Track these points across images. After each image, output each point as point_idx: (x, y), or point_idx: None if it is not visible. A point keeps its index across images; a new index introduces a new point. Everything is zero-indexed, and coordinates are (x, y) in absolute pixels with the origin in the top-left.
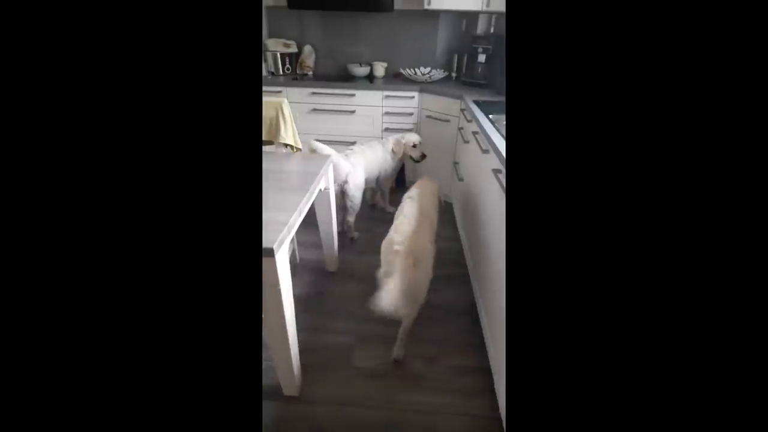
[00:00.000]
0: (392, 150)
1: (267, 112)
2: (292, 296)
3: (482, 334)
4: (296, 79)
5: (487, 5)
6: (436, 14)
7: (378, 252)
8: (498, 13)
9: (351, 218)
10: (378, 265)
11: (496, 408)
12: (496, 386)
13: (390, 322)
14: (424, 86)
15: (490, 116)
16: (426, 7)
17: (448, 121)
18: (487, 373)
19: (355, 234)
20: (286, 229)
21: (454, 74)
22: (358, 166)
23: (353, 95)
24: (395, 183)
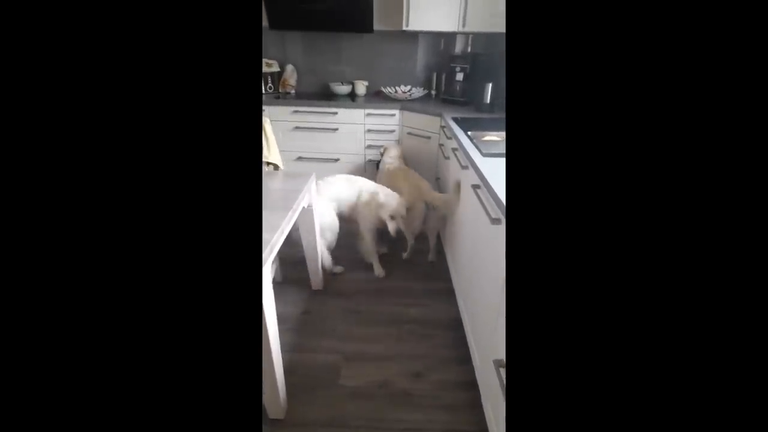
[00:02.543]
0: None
1: None
2: (275, 316)
3: (467, 348)
4: (278, 97)
5: (464, 26)
6: (414, 35)
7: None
8: (474, 34)
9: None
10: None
11: (483, 422)
12: (482, 400)
13: (377, 340)
14: (404, 104)
15: (469, 133)
16: (405, 28)
17: (428, 137)
18: (473, 387)
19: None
20: (268, 249)
21: (433, 92)
22: None
23: (335, 113)
24: None
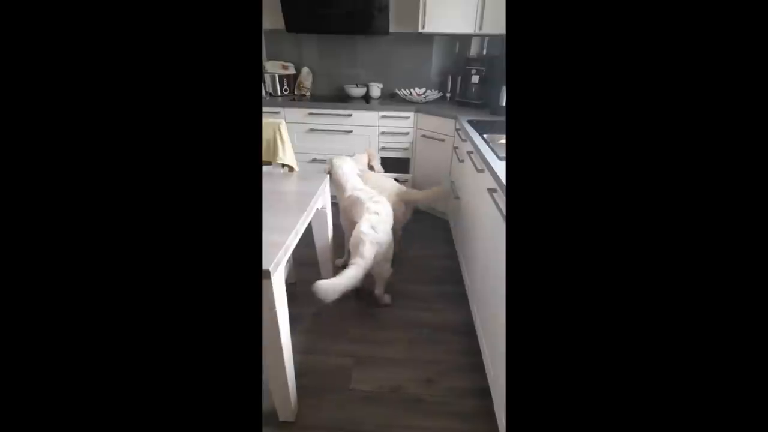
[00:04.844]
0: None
1: (265, 134)
2: (288, 318)
3: (481, 354)
4: (294, 100)
5: (480, 28)
6: (430, 37)
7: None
8: (490, 36)
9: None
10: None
11: (496, 431)
12: (495, 408)
13: (388, 343)
14: (419, 106)
15: (485, 136)
16: (420, 30)
17: (443, 140)
18: (486, 394)
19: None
20: (282, 251)
21: (448, 94)
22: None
23: (350, 115)
24: None
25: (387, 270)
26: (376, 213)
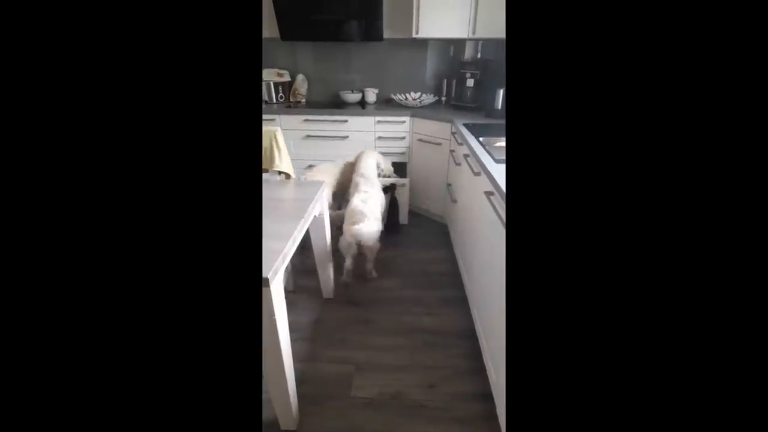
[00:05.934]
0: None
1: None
2: (287, 326)
3: (482, 358)
4: (289, 107)
5: (473, 33)
6: (424, 42)
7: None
8: (484, 40)
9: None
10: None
11: None
12: (498, 412)
13: (389, 349)
14: (415, 111)
15: (481, 139)
16: (414, 36)
17: (439, 144)
18: (488, 398)
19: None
20: (280, 258)
21: (444, 98)
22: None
23: (346, 121)
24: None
25: (375, 243)
26: (366, 192)
